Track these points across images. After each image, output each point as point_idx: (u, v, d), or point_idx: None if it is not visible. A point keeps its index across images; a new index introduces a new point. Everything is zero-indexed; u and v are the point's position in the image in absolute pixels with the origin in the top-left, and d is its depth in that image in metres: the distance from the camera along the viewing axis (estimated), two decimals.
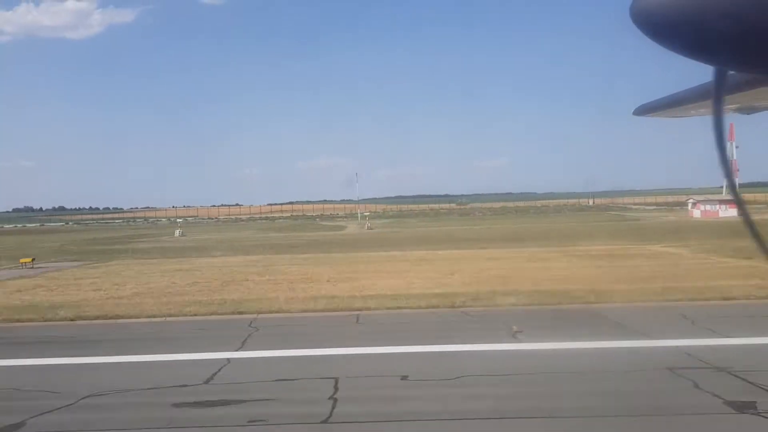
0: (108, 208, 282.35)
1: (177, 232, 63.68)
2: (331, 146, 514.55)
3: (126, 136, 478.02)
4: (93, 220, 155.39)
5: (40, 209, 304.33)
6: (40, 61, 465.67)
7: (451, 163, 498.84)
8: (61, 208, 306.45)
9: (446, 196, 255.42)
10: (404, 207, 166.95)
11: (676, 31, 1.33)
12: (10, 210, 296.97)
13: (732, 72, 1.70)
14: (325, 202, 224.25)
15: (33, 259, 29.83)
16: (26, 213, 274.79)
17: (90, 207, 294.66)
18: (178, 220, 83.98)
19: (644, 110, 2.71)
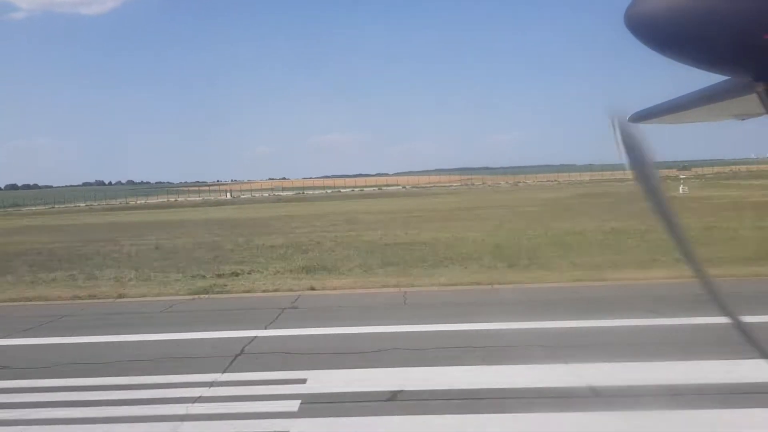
0: (161, 183, 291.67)
1: (681, 189, 57.78)
2: (342, 122, 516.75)
3: (141, 113, 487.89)
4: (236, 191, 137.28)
5: (110, 183, 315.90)
6: (56, 36, 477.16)
7: (462, 138, 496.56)
8: (130, 182, 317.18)
9: (487, 168, 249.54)
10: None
11: (670, 39, 1.30)
12: (81, 184, 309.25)
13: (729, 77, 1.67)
14: (359, 176, 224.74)
15: None
16: (98, 186, 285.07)
17: (142, 181, 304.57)
18: (681, 177, 72.01)
19: (639, 117, 2.59)
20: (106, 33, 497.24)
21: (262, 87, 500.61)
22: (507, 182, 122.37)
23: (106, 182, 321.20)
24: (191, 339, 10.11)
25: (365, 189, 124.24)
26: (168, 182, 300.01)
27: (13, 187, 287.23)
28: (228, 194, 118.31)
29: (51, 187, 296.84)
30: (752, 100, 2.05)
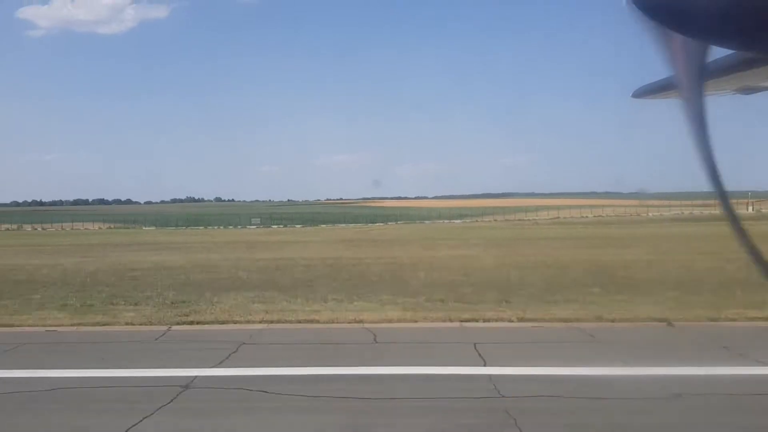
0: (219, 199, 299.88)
1: None
2: (350, 142, 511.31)
3: (160, 129, 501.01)
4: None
5: (201, 199, 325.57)
6: (73, 54, 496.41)
7: (474, 160, 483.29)
8: (218, 199, 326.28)
9: (532, 193, 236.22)
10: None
11: (675, 11, 1.26)
12: (170, 200, 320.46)
13: (731, 51, 1.63)
14: (397, 198, 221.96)
15: None
16: (196, 203, 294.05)
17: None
18: None
19: (644, 92, 2.60)
20: (124, 51, 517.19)
21: (277, 104, 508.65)
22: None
23: (197, 198, 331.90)
24: None
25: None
26: (227, 199, 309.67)
27: (83, 202, 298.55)
28: (749, 208, 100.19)
29: (139, 202, 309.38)
30: (758, 73, 2.05)
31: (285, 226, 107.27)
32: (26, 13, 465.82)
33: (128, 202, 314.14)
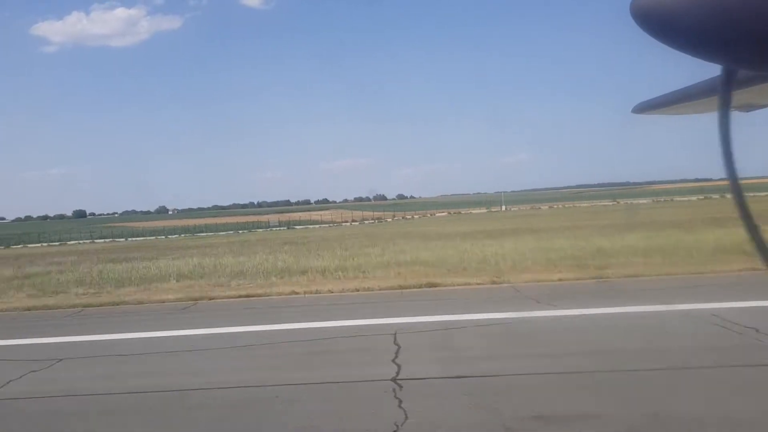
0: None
1: None
2: (351, 147, 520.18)
3: (166, 139, 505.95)
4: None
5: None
6: (87, 67, 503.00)
7: (475, 161, 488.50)
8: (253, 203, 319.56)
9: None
10: None
11: (678, 28, 1.25)
12: (211, 206, 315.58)
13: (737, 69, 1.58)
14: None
15: None
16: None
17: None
18: None
19: (644, 108, 2.62)
20: (137, 64, 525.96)
21: (282, 109, 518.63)
22: None
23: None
24: None
25: None
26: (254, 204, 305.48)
27: (81, 214, 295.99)
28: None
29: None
30: (759, 91, 2.03)
31: None
32: (40, 29, 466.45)
33: (132, 212, 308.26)
